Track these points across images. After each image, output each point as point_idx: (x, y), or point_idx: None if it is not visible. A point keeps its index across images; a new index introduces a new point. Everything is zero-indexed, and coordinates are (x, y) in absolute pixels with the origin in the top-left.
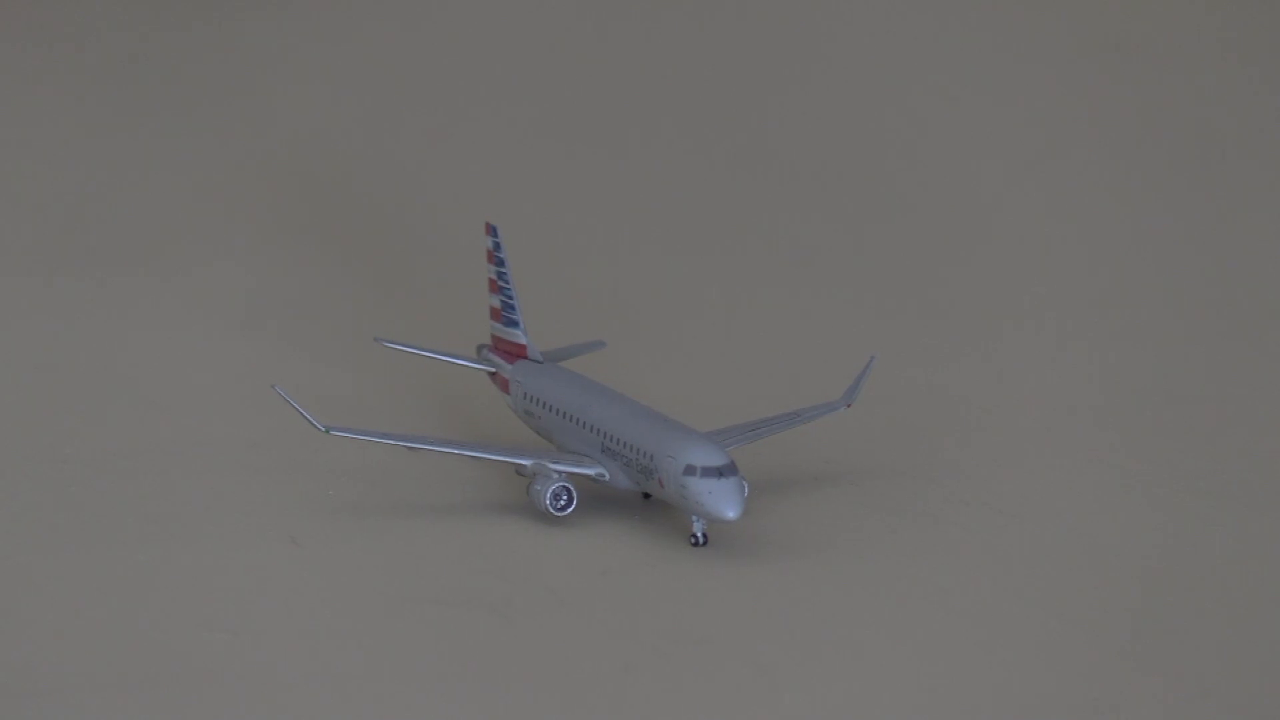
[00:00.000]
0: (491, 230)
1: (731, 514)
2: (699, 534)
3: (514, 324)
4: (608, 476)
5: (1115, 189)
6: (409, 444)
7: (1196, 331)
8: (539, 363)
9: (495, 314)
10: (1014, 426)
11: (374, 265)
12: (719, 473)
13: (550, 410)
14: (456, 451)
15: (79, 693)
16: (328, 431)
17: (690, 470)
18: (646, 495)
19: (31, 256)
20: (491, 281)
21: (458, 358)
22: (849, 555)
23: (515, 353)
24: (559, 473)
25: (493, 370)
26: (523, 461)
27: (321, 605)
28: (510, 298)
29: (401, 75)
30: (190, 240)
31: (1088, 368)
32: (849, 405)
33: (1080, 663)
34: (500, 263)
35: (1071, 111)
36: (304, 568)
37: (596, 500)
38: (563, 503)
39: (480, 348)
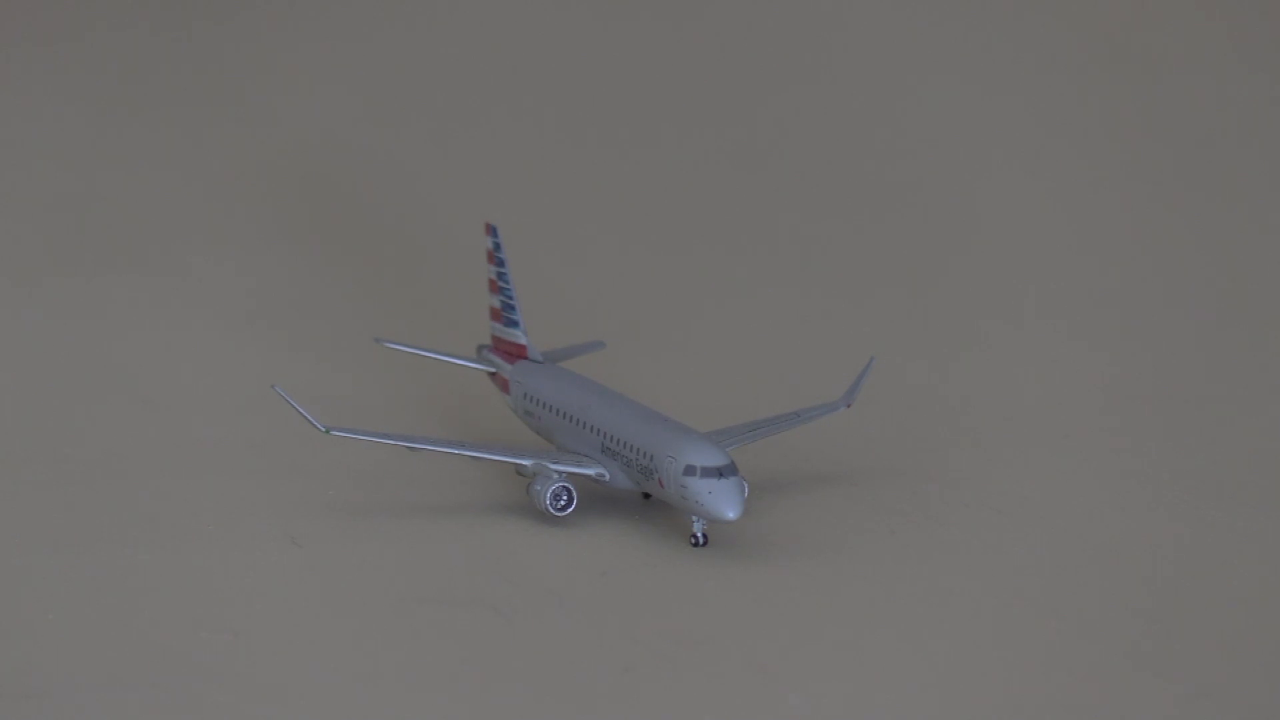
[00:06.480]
0: (491, 230)
1: (731, 514)
2: (699, 534)
3: (514, 324)
4: (608, 476)
5: (1116, 189)
6: (409, 444)
7: (1197, 331)
8: (539, 363)
9: (495, 314)
10: (1013, 426)
11: (374, 265)
12: (719, 473)
13: (550, 410)
14: (456, 451)
15: (79, 693)
16: (328, 431)
17: (690, 470)
18: (646, 495)
19: (31, 256)
20: (491, 282)
21: (458, 358)
22: (849, 555)
23: (515, 353)
24: (559, 473)
25: (493, 370)
26: (523, 461)
27: (322, 605)
28: (510, 298)
29: (402, 75)
30: (191, 240)
31: (1088, 368)
32: (849, 405)
33: (1081, 663)
34: (500, 263)
35: (1072, 111)
36: (304, 568)
37: (596, 500)
38: (563, 503)
39: (480, 348)
